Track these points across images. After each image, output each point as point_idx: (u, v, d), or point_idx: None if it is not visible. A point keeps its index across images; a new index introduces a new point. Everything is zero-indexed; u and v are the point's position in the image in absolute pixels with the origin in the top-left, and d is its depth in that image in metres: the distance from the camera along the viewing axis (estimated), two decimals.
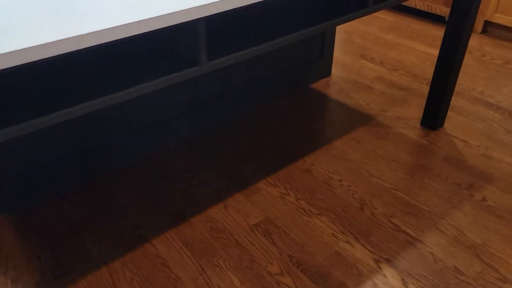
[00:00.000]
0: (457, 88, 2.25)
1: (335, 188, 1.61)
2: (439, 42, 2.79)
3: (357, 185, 1.62)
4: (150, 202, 1.57)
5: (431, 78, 2.29)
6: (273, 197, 1.58)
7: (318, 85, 2.27)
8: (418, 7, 3.12)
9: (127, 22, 0.83)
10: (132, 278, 1.30)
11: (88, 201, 1.56)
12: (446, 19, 3.11)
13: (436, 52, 2.66)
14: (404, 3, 3.26)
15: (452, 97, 2.14)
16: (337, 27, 2.72)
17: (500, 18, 2.76)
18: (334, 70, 2.42)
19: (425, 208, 1.53)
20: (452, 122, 1.98)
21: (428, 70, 2.45)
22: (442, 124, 1.95)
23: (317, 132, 1.93)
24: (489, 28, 2.93)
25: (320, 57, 2.27)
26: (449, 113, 2.05)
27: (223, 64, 1.03)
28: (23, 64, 0.74)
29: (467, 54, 2.65)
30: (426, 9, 3.08)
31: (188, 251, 1.38)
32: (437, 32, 2.94)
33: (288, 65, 2.16)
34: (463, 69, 2.45)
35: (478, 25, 2.90)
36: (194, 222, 1.48)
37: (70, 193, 1.60)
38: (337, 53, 2.62)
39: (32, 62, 0.75)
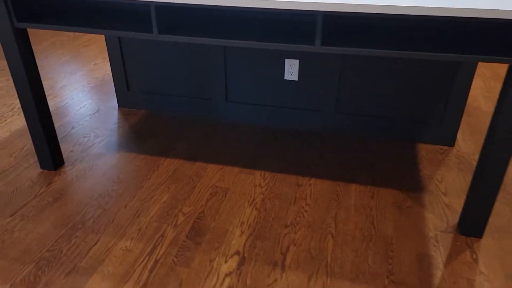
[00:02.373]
0: None
1: None
2: None
3: None
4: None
5: None
6: None
7: (432, 149, 2.01)
8: None
9: None
10: None
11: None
12: None
13: None
14: None
15: None
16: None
17: None
18: (461, 141, 2.09)
19: None
20: None
21: None
22: None
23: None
24: None
25: (440, 119, 2.02)
26: None
27: (333, 51, 1.31)
28: None
29: None
30: None
31: None
32: None
33: (407, 111, 2.05)
34: None
35: None
36: None
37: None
38: (470, 119, 2.30)
39: None
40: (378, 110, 2.07)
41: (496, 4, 1.15)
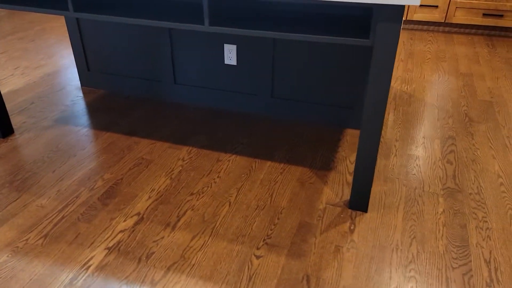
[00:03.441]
0: None
1: None
2: None
3: None
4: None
5: None
6: None
7: (357, 134, 2.07)
8: None
9: None
10: None
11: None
12: None
13: None
14: None
15: None
16: None
17: None
18: (387, 127, 2.17)
19: None
20: None
21: None
22: None
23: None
24: None
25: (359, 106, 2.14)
26: None
27: (221, 31, 1.45)
28: None
29: None
30: None
31: None
32: None
33: (335, 97, 2.16)
34: None
35: None
36: None
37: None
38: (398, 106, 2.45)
39: None
40: (309, 95, 2.19)
41: None
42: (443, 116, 2.29)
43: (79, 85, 2.62)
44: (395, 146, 2.02)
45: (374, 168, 1.50)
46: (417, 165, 1.88)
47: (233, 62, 2.22)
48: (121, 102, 2.41)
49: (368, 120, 1.42)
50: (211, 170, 1.82)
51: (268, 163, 1.88)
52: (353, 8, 1.67)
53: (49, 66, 2.90)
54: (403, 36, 3.58)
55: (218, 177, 1.78)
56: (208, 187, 1.72)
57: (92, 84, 2.58)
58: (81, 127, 2.13)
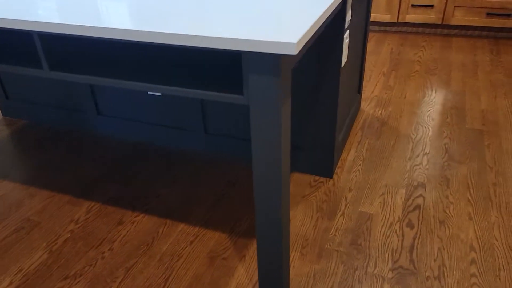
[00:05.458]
0: None
1: None
2: None
3: None
4: None
5: None
6: None
7: (304, 181, 1.90)
8: None
9: None
10: None
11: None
12: None
13: None
14: None
15: None
16: None
17: None
18: (342, 172, 2.03)
19: None
20: None
21: None
22: None
23: None
24: None
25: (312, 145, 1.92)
26: None
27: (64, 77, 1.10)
28: None
29: None
30: None
31: None
32: None
33: None
34: None
35: None
36: None
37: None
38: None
39: None
40: (247, 131, 1.79)
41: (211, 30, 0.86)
42: (417, 153, 1.85)
43: (1, 115, 2.30)
44: (345, 198, 1.61)
45: (282, 254, 1.11)
46: (367, 229, 1.46)
47: (157, 91, 1.84)
48: (38, 136, 2.07)
49: (261, 205, 1.03)
50: (104, 239, 1.46)
51: (181, 226, 1.51)
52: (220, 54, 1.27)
53: None
54: (393, 42, 3.10)
55: (109, 249, 1.42)
56: (91, 266, 1.36)
57: (14, 113, 2.26)
58: None
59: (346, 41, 1.45)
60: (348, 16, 1.42)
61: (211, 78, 1.00)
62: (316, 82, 1.53)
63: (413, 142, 1.92)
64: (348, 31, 1.47)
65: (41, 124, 2.19)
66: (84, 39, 1.24)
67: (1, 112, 2.28)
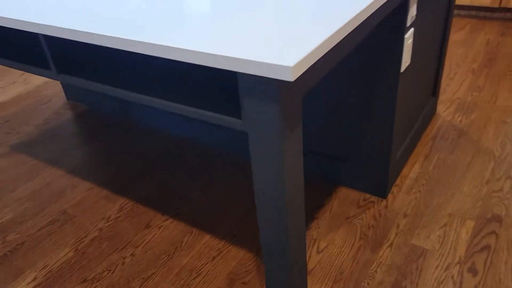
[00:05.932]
0: None
1: None
2: None
3: None
4: None
5: None
6: None
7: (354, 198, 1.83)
8: None
9: None
10: None
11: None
12: None
13: None
14: None
15: None
16: None
17: None
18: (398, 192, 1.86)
19: None
20: None
21: None
22: None
23: None
24: None
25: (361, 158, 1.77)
26: None
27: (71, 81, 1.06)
28: None
29: None
30: None
31: None
32: None
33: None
34: None
35: None
36: None
37: None
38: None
39: None
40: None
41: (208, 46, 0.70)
42: (498, 176, 1.52)
43: (66, 99, 2.37)
44: (397, 226, 1.37)
45: None
46: (416, 268, 1.23)
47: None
48: (94, 123, 2.10)
49: (267, 244, 0.87)
50: (128, 243, 1.41)
51: (206, 237, 1.40)
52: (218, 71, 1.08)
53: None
54: (492, 31, 2.64)
55: (131, 254, 1.37)
56: (109, 271, 1.32)
57: (75, 98, 2.31)
58: (32, 158, 1.87)
59: (408, 42, 1.19)
60: (413, 12, 1.16)
61: (212, 95, 0.85)
62: (370, 88, 1.30)
63: (495, 161, 1.59)
64: (412, 29, 1.20)
65: (99, 111, 2.21)
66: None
67: (66, 95, 2.35)
